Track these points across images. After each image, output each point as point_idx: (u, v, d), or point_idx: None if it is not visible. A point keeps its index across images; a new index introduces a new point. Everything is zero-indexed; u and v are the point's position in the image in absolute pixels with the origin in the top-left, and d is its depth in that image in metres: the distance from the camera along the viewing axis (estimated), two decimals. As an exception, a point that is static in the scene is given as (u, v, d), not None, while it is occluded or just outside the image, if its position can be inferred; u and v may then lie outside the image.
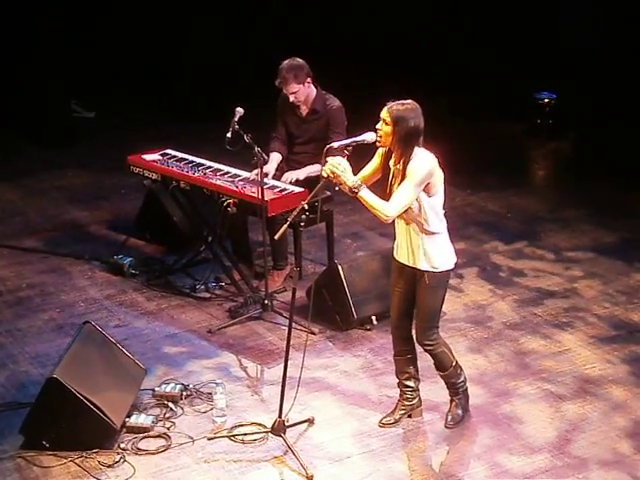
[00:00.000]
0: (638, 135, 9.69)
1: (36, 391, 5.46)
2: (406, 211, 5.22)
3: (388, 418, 5.68)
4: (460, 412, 5.68)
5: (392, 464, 5.35)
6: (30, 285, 7.31)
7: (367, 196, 5.14)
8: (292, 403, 5.46)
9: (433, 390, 5.88)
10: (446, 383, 5.68)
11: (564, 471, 5.29)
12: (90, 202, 8.79)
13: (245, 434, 5.54)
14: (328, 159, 5.15)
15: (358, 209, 8.12)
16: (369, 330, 6.65)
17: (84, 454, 5.34)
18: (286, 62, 6.89)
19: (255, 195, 6.52)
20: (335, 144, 5.30)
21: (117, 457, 5.35)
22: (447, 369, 5.60)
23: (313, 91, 7.01)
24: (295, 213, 5.29)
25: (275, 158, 7.10)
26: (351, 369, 6.24)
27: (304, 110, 7.08)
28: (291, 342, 5.42)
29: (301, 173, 6.98)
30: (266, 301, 6.74)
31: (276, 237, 5.48)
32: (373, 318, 6.66)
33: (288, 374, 5.42)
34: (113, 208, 8.65)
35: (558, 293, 7.20)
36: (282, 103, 7.10)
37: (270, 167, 6.96)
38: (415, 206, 5.20)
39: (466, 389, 5.71)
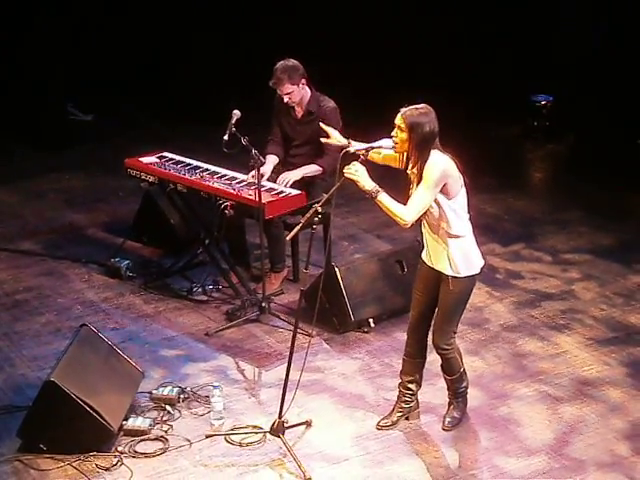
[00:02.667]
0: (635, 137, 9.69)
1: (33, 394, 5.44)
2: (427, 215, 5.18)
3: (386, 421, 5.68)
4: (458, 415, 5.68)
5: (390, 467, 5.35)
6: (27, 288, 7.29)
7: (385, 200, 5.09)
8: (289, 405, 5.45)
9: (430, 392, 5.87)
10: (449, 387, 5.68)
11: (561, 473, 5.29)
12: (87, 205, 8.77)
13: (246, 433, 5.54)
14: (345, 169, 5.09)
15: (355, 211, 8.13)
16: (366, 332, 6.65)
17: (81, 457, 5.33)
18: (280, 63, 6.89)
19: (252, 198, 6.52)
20: (351, 149, 5.26)
21: (114, 460, 5.34)
22: (455, 374, 5.59)
23: (308, 93, 7.00)
24: (308, 216, 5.25)
25: (271, 160, 7.10)
26: (348, 372, 6.23)
27: (299, 112, 7.08)
28: (289, 344, 5.42)
29: (296, 174, 6.98)
30: (263, 304, 6.73)
31: (288, 238, 5.76)
32: (370, 320, 6.66)
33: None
34: (110, 211, 8.63)
35: (555, 295, 7.20)
36: (277, 104, 7.10)
37: (266, 169, 6.94)
38: (435, 209, 5.16)
39: (466, 394, 5.71)
